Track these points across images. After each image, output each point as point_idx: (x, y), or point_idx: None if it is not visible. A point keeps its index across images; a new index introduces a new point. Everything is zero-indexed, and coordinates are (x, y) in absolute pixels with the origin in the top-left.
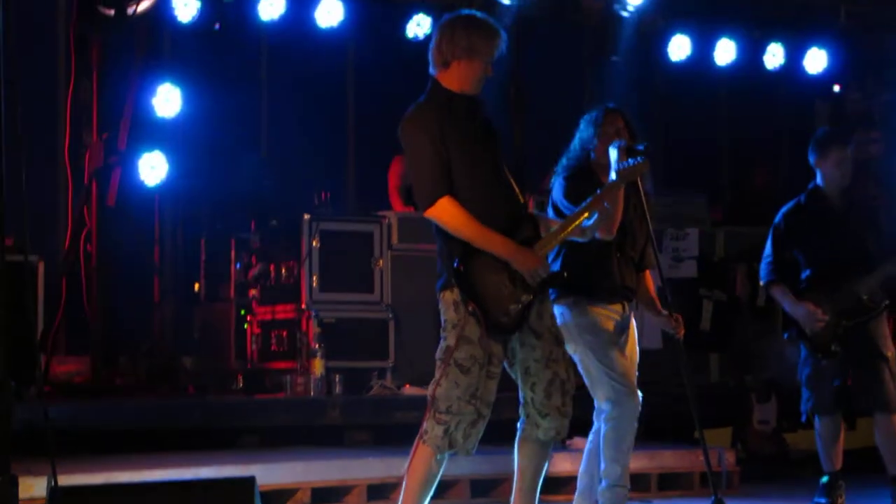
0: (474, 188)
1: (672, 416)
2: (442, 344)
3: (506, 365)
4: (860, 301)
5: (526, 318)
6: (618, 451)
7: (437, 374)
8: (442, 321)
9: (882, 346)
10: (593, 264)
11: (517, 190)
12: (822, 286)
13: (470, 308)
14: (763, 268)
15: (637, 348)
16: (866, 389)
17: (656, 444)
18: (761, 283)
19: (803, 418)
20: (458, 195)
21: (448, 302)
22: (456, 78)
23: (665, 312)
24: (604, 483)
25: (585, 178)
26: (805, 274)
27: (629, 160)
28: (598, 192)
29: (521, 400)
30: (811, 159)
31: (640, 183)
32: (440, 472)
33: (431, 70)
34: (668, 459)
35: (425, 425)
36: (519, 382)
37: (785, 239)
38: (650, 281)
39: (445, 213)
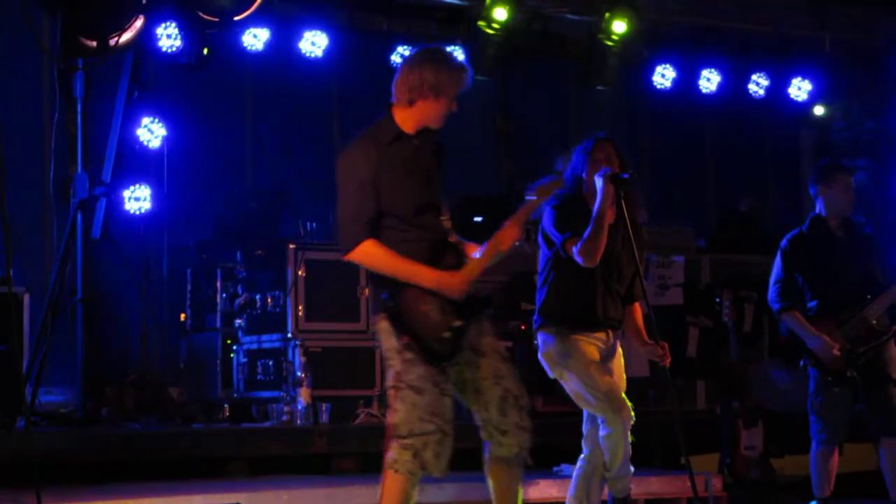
0: (401, 220)
1: (659, 442)
2: (389, 372)
3: (456, 394)
4: (871, 327)
5: (461, 342)
6: (614, 456)
7: (391, 402)
8: (382, 350)
9: (893, 371)
10: (577, 295)
11: (444, 217)
12: (829, 314)
13: (404, 341)
14: (772, 292)
15: (624, 375)
16: (877, 414)
17: (644, 469)
18: (773, 308)
19: (816, 448)
20: (383, 226)
21: (383, 330)
22: (418, 116)
23: (651, 342)
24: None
25: (575, 207)
26: (812, 303)
27: (547, 177)
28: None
29: (480, 423)
30: (813, 188)
31: (626, 215)
32: (414, 495)
33: (392, 99)
34: (656, 485)
35: (391, 454)
36: (473, 406)
37: (792, 263)
38: (638, 311)
39: (367, 256)
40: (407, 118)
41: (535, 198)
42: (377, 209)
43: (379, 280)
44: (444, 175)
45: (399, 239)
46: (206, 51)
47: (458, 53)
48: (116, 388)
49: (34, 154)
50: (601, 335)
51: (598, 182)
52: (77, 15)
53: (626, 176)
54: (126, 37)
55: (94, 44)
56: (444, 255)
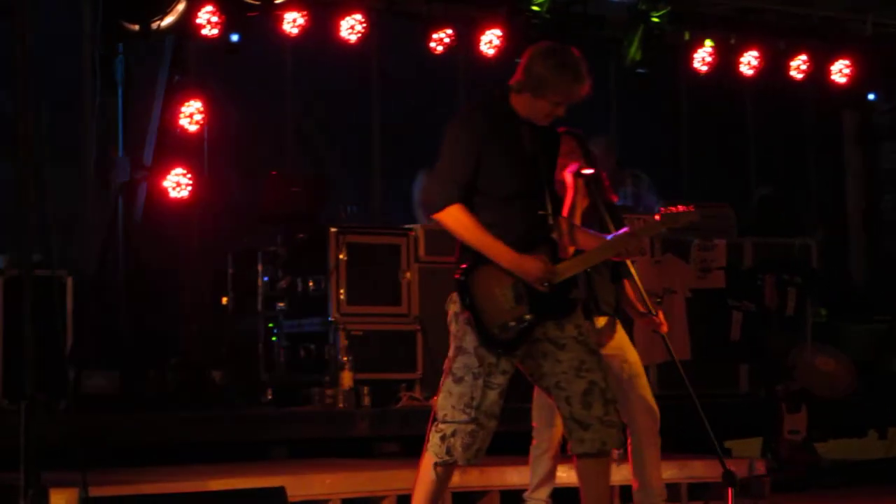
0: (495, 200)
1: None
2: (449, 354)
3: (540, 388)
4: None
5: (529, 335)
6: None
7: (440, 384)
8: (450, 330)
9: None
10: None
11: (546, 211)
12: None
13: (464, 317)
14: None
15: (638, 359)
16: None
17: (686, 454)
18: None
19: None
20: (475, 202)
21: (451, 312)
22: (522, 106)
23: (645, 311)
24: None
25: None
26: None
27: (676, 207)
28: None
29: (562, 419)
30: None
31: (599, 204)
32: (445, 482)
33: (512, 80)
34: (698, 469)
35: (430, 435)
36: (555, 401)
37: None
38: (628, 288)
39: (454, 219)
40: (517, 103)
41: (661, 221)
42: (473, 179)
43: (462, 255)
44: (550, 166)
45: (488, 221)
46: (244, 35)
47: (578, 63)
48: (159, 371)
49: (75, 138)
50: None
51: (567, 178)
52: None
53: (591, 172)
54: (168, 21)
55: (136, 28)
56: (535, 248)
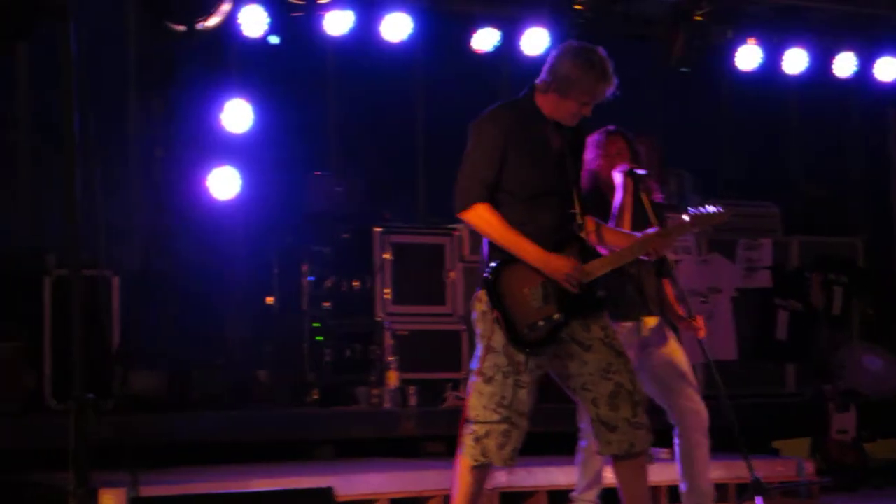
0: (522, 199)
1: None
2: (475, 354)
3: (566, 389)
4: None
5: (557, 335)
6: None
7: (469, 385)
8: (476, 330)
9: None
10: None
11: (574, 210)
12: None
13: (494, 316)
14: None
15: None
16: None
17: (731, 454)
18: None
19: None
20: (502, 201)
21: (478, 311)
22: (550, 105)
23: (684, 317)
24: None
25: (593, 201)
26: None
27: (706, 207)
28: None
29: (590, 421)
30: None
31: (646, 205)
32: (482, 484)
33: (538, 80)
34: (746, 469)
35: (462, 438)
36: (581, 403)
37: None
38: (668, 288)
39: (480, 218)
40: (543, 103)
41: (690, 221)
42: (498, 179)
43: (490, 255)
44: (578, 166)
45: (516, 220)
46: (288, 35)
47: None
48: (204, 372)
49: (120, 138)
50: (627, 323)
51: (618, 178)
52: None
53: (643, 172)
54: (213, 21)
55: (182, 27)
56: (564, 247)
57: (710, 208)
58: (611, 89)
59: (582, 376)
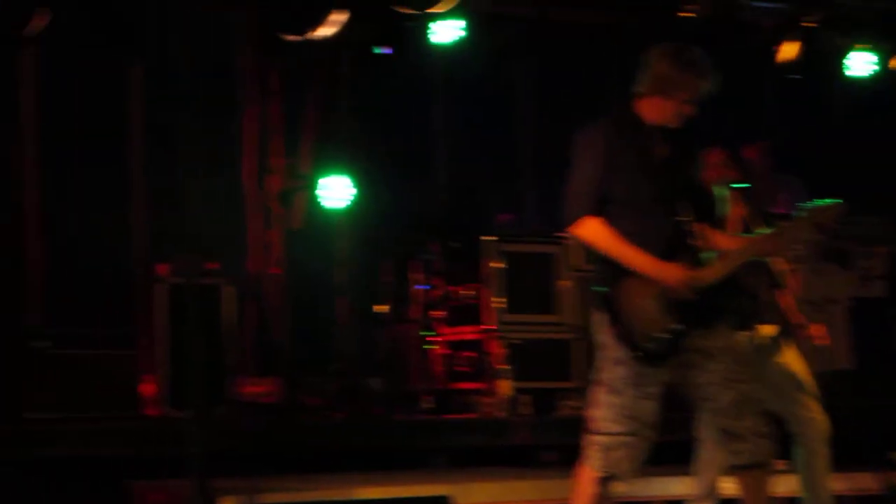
0: (631, 209)
1: (865, 436)
2: (597, 364)
3: (690, 398)
4: None
5: (678, 345)
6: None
7: (591, 396)
8: (595, 342)
9: None
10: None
11: (684, 217)
12: None
13: (613, 330)
14: None
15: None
16: None
17: (851, 465)
18: None
19: None
20: (611, 212)
21: (598, 323)
22: (649, 110)
23: (801, 324)
24: None
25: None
26: None
27: (827, 202)
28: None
29: (712, 429)
30: None
31: (750, 216)
32: (606, 495)
33: (634, 89)
34: (867, 481)
35: (585, 449)
36: (705, 412)
37: None
38: (786, 297)
39: (589, 231)
40: (645, 109)
41: (805, 217)
42: (606, 190)
43: (602, 268)
44: (686, 170)
45: (626, 231)
46: (397, 44)
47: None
48: (316, 379)
49: (232, 147)
50: (746, 332)
51: (721, 190)
52: (275, 9)
53: (747, 186)
54: (324, 31)
55: (294, 38)
56: (676, 255)
57: (823, 202)
58: (711, 86)
59: (704, 386)
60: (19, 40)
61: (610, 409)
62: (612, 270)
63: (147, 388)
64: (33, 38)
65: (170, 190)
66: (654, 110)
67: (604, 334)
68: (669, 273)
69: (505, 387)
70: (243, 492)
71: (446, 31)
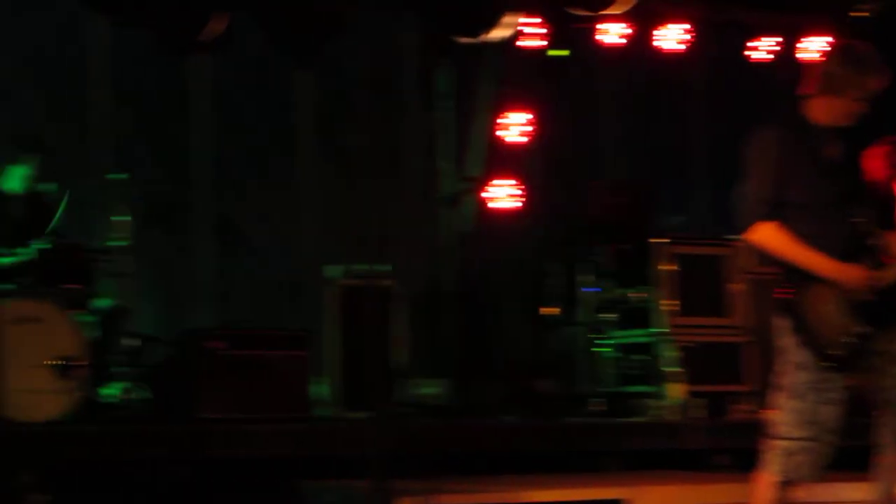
0: (807, 212)
1: None
2: (778, 369)
3: (872, 402)
4: None
5: (864, 349)
6: None
7: (772, 400)
8: (777, 346)
9: None
10: None
11: (861, 218)
12: None
13: (796, 336)
14: None
15: None
16: None
17: None
18: None
19: None
20: (788, 216)
21: (780, 328)
22: (819, 110)
23: None
24: None
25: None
26: None
27: None
28: None
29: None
30: None
31: None
32: (784, 499)
33: (802, 91)
34: None
35: (765, 453)
36: (886, 416)
37: None
38: None
39: (765, 236)
40: (814, 110)
41: None
42: (781, 194)
43: (781, 274)
44: (858, 172)
45: (804, 234)
46: (567, 46)
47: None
48: (485, 381)
49: (401, 150)
50: None
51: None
52: (446, 11)
53: None
54: (498, 33)
55: (467, 40)
56: (854, 255)
57: None
58: (883, 83)
59: (886, 389)
60: (196, 46)
61: (791, 414)
62: (794, 275)
63: (318, 390)
64: (209, 44)
65: (340, 193)
66: (823, 110)
67: (786, 339)
68: (849, 274)
69: (677, 390)
70: (419, 493)
71: (614, 33)
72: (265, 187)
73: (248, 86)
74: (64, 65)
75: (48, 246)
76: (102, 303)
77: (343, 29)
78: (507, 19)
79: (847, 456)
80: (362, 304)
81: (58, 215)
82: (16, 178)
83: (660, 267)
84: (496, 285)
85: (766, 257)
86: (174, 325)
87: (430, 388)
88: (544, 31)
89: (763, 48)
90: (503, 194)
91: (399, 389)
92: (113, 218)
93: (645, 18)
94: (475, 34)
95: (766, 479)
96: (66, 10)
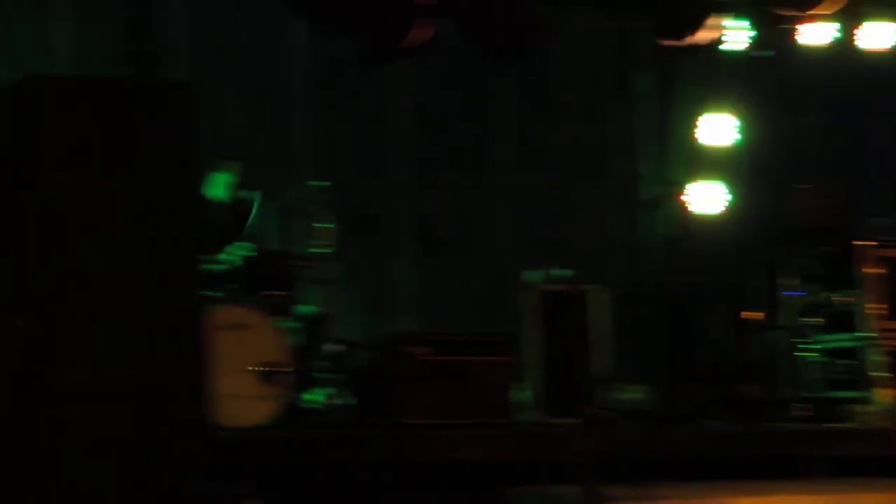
0: None
1: None
2: None
3: None
4: None
5: None
6: None
7: None
8: None
9: None
10: None
11: None
12: None
13: None
14: None
15: None
16: None
17: None
18: None
19: None
20: None
21: None
22: None
23: None
24: None
25: None
26: None
27: None
28: None
29: None
30: None
31: None
32: None
33: None
34: None
35: None
36: None
37: None
38: None
39: None
40: None
41: None
42: None
43: None
44: None
45: None
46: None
47: None
48: (689, 385)
49: (602, 154)
50: None
51: None
52: (650, 14)
53: None
54: (703, 35)
55: (671, 43)
56: None
57: None
58: None
59: None
60: (399, 53)
61: None
62: None
63: (520, 395)
64: (412, 51)
65: (541, 197)
66: None
67: None
68: None
69: (885, 395)
70: (628, 498)
71: (819, 32)
72: (465, 192)
73: (448, 90)
74: (266, 72)
75: (253, 253)
76: (306, 309)
77: (546, 32)
78: (711, 21)
79: None
80: (563, 308)
81: (251, 220)
82: (219, 186)
83: (866, 270)
84: (698, 289)
85: None
86: (376, 331)
87: (632, 393)
88: (748, 32)
89: None
90: (706, 198)
91: (601, 394)
92: (316, 224)
93: (849, 17)
94: (679, 37)
95: None
96: (267, 17)
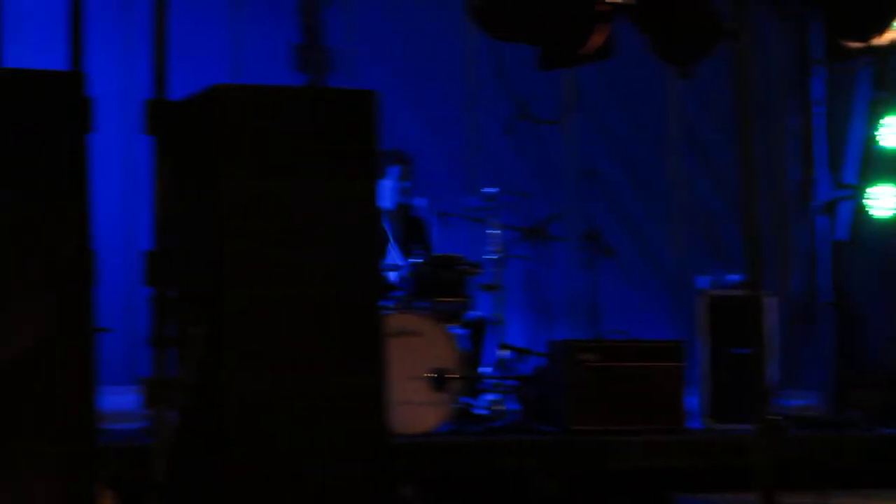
0: None
1: None
2: None
3: None
4: None
5: None
6: None
7: None
8: None
9: None
10: None
11: None
12: None
13: None
14: None
15: None
16: None
17: None
18: None
19: None
20: None
21: None
22: None
23: None
24: None
25: None
26: None
27: None
28: None
29: None
30: None
31: None
32: None
33: None
34: None
35: None
36: None
37: None
38: None
39: None
40: None
41: None
42: None
43: None
44: None
45: None
46: None
47: None
48: (864, 392)
49: (771, 158)
50: None
51: None
52: (833, 16)
53: None
54: (888, 36)
55: (855, 44)
56: None
57: None
58: None
59: None
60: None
61: None
62: None
63: (691, 401)
64: (591, 56)
65: (711, 201)
66: None
67: None
68: None
69: None
70: None
71: None
72: (635, 197)
73: (619, 94)
74: (439, 78)
75: (424, 260)
76: (475, 315)
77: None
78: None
79: None
80: (736, 314)
81: (419, 226)
82: (386, 193)
83: None
84: (873, 295)
85: None
86: (545, 337)
87: (803, 400)
88: None
89: None
90: (882, 202)
91: (773, 401)
92: (487, 231)
93: None
94: (865, 38)
95: None
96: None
